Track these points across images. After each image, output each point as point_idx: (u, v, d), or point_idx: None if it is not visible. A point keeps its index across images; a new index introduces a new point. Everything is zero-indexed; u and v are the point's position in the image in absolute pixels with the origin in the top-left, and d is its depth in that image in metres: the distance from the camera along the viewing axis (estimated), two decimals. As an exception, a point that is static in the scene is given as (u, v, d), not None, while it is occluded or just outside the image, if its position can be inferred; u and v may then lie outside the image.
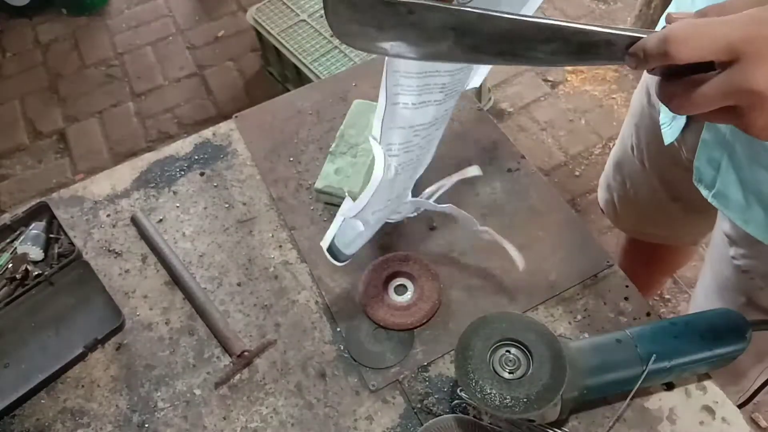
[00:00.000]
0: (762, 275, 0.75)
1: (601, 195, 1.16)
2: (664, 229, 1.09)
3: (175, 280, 0.81)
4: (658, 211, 1.01)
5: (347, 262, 0.68)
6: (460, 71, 0.60)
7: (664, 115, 0.82)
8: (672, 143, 0.80)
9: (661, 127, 0.81)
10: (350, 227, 0.63)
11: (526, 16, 0.43)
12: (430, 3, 0.44)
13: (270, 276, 0.81)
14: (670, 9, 0.79)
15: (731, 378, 0.87)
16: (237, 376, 0.73)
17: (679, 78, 0.41)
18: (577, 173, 1.93)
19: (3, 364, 0.76)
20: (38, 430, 0.71)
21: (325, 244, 0.64)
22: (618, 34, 0.41)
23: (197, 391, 0.73)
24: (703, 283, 0.90)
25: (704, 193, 0.72)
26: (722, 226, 0.79)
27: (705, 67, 0.39)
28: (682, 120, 0.76)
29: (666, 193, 0.96)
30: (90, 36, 2.55)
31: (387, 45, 0.47)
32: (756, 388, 0.84)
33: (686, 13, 0.42)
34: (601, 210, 1.18)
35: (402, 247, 0.79)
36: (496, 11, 0.43)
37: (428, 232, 0.82)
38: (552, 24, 0.43)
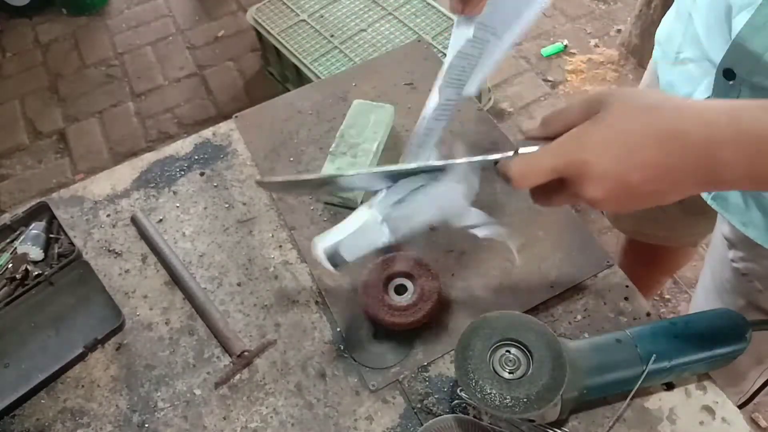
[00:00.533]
0: (761, 278, 0.75)
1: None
2: (663, 230, 1.09)
3: (175, 280, 0.81)
4: (658, 212, 1.01)
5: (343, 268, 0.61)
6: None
7: None
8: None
9: None
10: (370, 234, 0.57)
11: (403, 165, 0.56)
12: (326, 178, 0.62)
13: (270, 276, 0.81)
14: (671, 11, 0.79)
15: (731, 380, 0.87)
16: (237, 376, 0.73)
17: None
18: (577, 173, 1.93)
19: (3, 364, 0.76)
20: (38, 430, 0.71)
21: (323, 247, 0.57)
22: (486, 160, 0.53)
23: (197, 391, 0.73)
24: (703, 285, 0.90)
25: (704, 195, 0.72)
26: (722, 228, 0.79)
27: None
28: None
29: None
30: (90, 36, 2.55)
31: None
32: (755, 389, 0.84)
33: (535, 131, 0.51)
34: (601, 210, 1.18)
35: (402, 247, 0.79)
36: (384, 169, 0.55)
37: (428, 232, 0.82)
38: (444, 165, 0.54)
